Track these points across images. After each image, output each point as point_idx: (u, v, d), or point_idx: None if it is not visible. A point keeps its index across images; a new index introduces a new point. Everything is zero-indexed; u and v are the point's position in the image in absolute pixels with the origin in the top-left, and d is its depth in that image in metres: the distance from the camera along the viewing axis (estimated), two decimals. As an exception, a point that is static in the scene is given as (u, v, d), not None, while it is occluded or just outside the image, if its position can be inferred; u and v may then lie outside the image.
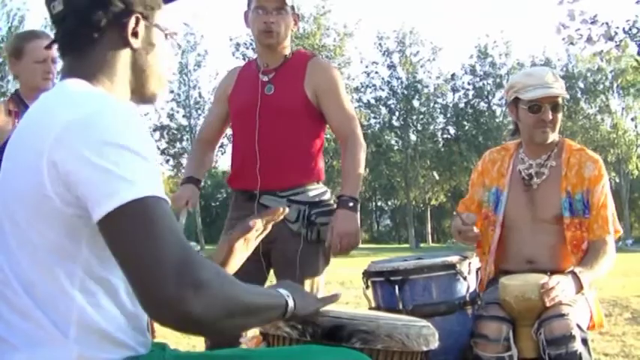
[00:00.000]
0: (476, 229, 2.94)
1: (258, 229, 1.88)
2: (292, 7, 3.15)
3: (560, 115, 3.03)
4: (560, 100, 3.01)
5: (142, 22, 1.58)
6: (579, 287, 2.72)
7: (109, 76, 1.55)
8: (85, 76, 1.51)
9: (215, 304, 1.29)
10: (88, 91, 1.46)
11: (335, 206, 3.10)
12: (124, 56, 1.57)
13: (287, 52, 3.22)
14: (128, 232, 1.27)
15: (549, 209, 3.00)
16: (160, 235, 1.26)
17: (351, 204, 3.03)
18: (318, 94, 3.12)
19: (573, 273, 2.73)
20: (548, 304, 2.58)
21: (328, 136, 3.38)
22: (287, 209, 1.91)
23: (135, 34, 1.57)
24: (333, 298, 1.80)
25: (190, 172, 3.40)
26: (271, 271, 3.16)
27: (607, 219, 2.96)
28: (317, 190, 3.14)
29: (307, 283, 3.00)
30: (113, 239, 1.29)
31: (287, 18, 3.13)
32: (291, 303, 1.56)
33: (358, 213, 3.08)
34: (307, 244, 3.02)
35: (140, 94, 1.64)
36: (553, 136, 3.04)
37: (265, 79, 3.18)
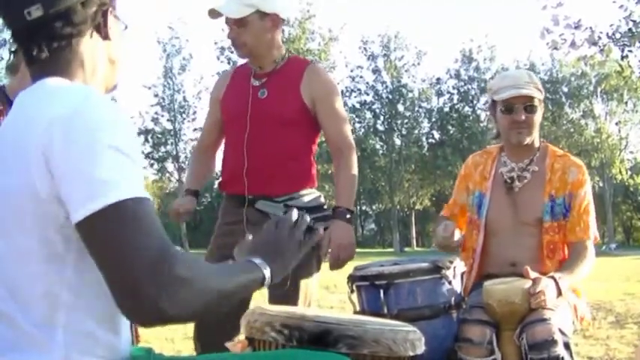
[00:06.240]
0: (457, 235, 2.96)
1: None
2: (259, 12, 2.99)
3: (535, 116, 3.03)
4: (535, 101, 3.01)
5: (111, 15, 1.58)
6: (558, 292, 2.73)
7: (88, 72, 1.54)
8: (63, 75, 1.49)
9: (191, 300, 1.29)
10: (72, 85, 1.45)
11: (330, 211, 3.10)
12: (102, 50, 1.57)
13: (276, 56, 3.15)
14: (106, 234, 1.26)
15: (531, 212, 3.01)
16: (137, 234, 1.26)
17: (347, 216, 3.04)
18: (315, 102, 3.09)
19: (553, 278, 2.74)
20: (533, 307, 2.60)
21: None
22: None
23: (109, 27, 1.57)
24: (314, 239, 1.71)
25: (187, 185, 3.35)
26: None
27: (589, 224, 2.99)
28: (311, 195, 3.13)
29: (302, 285, 3.00)
30: (91, 241, 1.28)
31: (252, 27, 3.02)
32: (267, 273, 1.52)
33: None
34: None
35: (108, 86, 1.64)
36: (530, 138, 3.05)
37: (257, 83, 3.13)
